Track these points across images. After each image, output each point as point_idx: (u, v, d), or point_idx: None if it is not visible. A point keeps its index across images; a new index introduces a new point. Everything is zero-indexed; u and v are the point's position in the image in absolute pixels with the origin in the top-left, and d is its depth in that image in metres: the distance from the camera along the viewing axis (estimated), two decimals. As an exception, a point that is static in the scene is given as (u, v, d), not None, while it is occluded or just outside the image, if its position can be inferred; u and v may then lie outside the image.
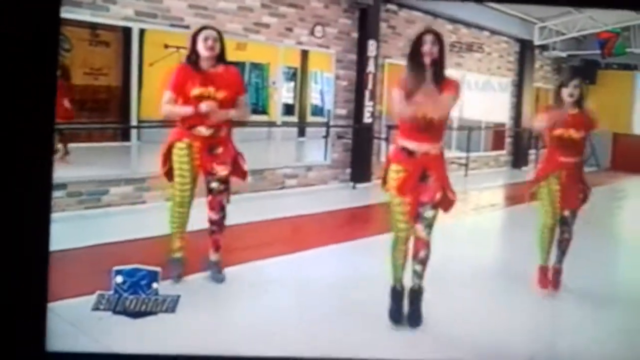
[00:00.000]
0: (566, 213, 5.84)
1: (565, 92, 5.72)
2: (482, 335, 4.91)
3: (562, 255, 5.93)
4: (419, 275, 4.98)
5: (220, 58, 5.41)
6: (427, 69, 4.73)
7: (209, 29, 5.42)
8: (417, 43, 4.74)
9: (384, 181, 4.97)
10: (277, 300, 5.37)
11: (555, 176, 5.76)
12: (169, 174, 5.50)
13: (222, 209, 5.56)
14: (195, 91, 5.28)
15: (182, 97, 5.34)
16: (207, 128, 5.34)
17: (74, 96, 8.59)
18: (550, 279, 5.91)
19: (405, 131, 4.85)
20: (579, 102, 5.74)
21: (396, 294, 5.04)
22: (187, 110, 5.30)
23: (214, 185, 5.51)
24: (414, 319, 4.99)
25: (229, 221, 5.76)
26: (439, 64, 4.77)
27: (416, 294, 5.00)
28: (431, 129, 4.78)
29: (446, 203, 4.96)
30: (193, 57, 5.37)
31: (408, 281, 5.01)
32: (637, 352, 4.80)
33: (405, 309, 5.02)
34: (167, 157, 5.44)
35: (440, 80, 4.78)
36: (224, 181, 5.51)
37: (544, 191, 5.80)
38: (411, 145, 4.81)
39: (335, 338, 4.71)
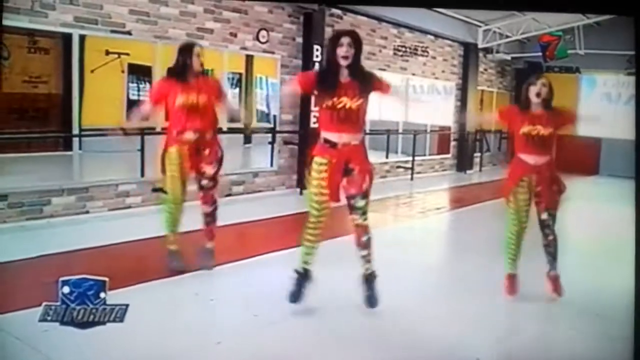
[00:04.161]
0: (544, 216, 5.75)
1: (533, 90, 5.65)
2: (429, 336, 4.91)
3: (554, 260, 5.82)
4: (367, 259, 5.20)
5: (202, 72, 5.96)
6: (343, 67, 4.97)
7: (197, 46, 5.95)
8: (334, 44, 4.98)
9: (308, 173, 5.16)
10: (223, 308, 5.31)
11: (525, 182, 5.69)
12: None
13: (213, 202, 6.10)
14: (179, 100, 5.77)
15: (167, 107, 5.91)
16: (194, 133, 5.84)
17: (10, 105, 8.44)
18: (551, 287, 5.81)
19: (325, 123, 5.03)
20: (546, 102, 5.66)
21: (299, 276, 5.24)
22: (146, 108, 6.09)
23: (204, 182, 6.02)
24: (372, 301, 5.22)
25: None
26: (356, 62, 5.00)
27: (370, 277, 5.21)
28: (350, 120, 4.98)
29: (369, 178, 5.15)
30: (181, 70, 5.83)
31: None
32: (590, 353, 4.84)
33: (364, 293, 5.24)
34: (163, 161, 5.94)
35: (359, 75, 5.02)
36: (212, 178, 6.03)
37: (511, 202, 5.73)
38: (332, 136, 5.00)
39: (283, 345, 4.68)
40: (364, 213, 5.11)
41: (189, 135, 5.84)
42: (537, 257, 5.80)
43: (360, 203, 5.08)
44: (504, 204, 5.79)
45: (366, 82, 5.01)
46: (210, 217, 6.13)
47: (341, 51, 4.92)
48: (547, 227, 5.77)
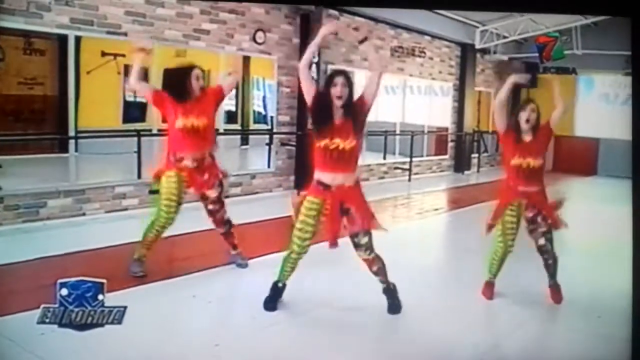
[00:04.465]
0: (540, 242, 5.72)
1: (523, 116, 5.58)
2: (428, 337, 4.89)
3: (552, 277, 5.80)
4: (383, 281, 5.29)
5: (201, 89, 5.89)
6: (337, 107, 4.98)
7: (198, 68, 5.86)
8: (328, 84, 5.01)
9: (297, 209, 5.12)
10: (221, 310, 5.33)
11: (513, 207, 5.64)
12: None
13: (226, 223, 6.15)
14: (179, 123, 5.72)
15: (167, 122, 5.85)
16: (193, 160, 5.81)
17: (6, 107, 8.42)
18: (551, 296, 5.77)
19: (319, 163, 5.03)
20: (534, 129, 5.60)
21: (276, 289, 5.28)
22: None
23: (210, 207, 6.03)
24: (394, 308, 5.30)
25: (171, 232, 5.97)
26: (349, 101, 5.00)
27: (391, 291, 5.32)
28: (343, 160, 4.97)
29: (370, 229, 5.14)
30: (180, 92, 5.76)
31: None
32: (588, 353, 4.82)
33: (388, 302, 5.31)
34: (158, 177, 5.90)
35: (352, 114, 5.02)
36: (217, 201, 6.03)
37: (498, 221, 5.70)
38: (326, 177, 5.00)
39: (282, 347, 4.65)
40: (368, 249, 5.11)
41: (188, 162, 5.80)
42: (537, 257, 5.78)
43: (364, 240, 5.09)
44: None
45: (357, 117, 4.99)
46: (227, 234, 6.20)
47: (335, 91, 4.92)
48: (545, 253, 5.75)
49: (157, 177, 5.88)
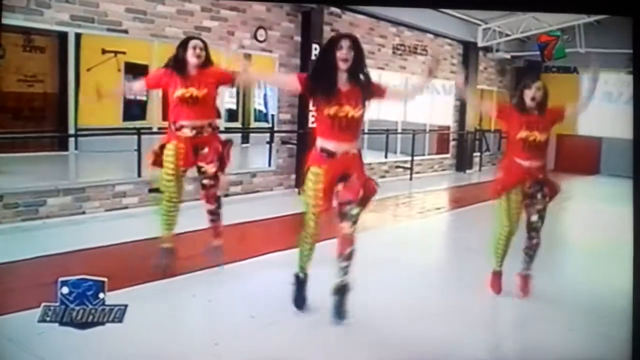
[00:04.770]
0: (533, 218, 5.72)
1: (528, 94, 5.54)
2: (429, 336, 4.88)
3: (530, 262, 5.80)
4: (345, 271, 4.94)
5: (203, 64, 5.80)
6: (342, 71, 4.79)
7: (195, 39, 5.86)
8: (334, 46, 4.79)
9: (303, 183, 5.01)
10: (221, 309, 5.26)
11: (519, 185, 5.63)
12: (156, 163, 5.93)
13: (216, 200, 6.04)
14: (178, 92, 5.71)
15: (168, 95, 5.84)
16: (191, 130, 5.78)
17: (5, 104, 8.40)
18: (520, 285, 5.81)
19: (324, 132, 4.86)
20: (540, 106, 5.56)
21: (299, 281, 5.20)
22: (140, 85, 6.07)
23: (205, 181, 5.96)
24: (340, 313, 4.96)
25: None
26: (356, 66, 4.83)
27: (342, 289, 4.96)
28: (351, 129, 4.84)
29: (369, 195, 4.96)
30: (179, 65, 5.75)
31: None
32: (588, 353, 4.81)
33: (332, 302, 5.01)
34: (159, 153, 5.86)
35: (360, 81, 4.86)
36: (214, 177, 5.94)
37: (502, 203, 5.66)
38: (331, 145, 4.84)
39: (282, 346, 4.64)
40: (355, 223, 4.89)
41: (187, 131, 5.76)
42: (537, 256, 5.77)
43: (355, 211, 4.86)
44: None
45: (367, 88, 4.84)
46: (214, 215, 6.07)
47: (341, 54, 4.70)
48: (534, 230, 5.73)
49: (159, 149, 5.87)
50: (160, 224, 5.89)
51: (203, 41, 5.87)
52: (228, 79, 5.89)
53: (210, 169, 5.90)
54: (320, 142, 4.86)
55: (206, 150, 5.85)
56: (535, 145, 5.57)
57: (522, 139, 5.55)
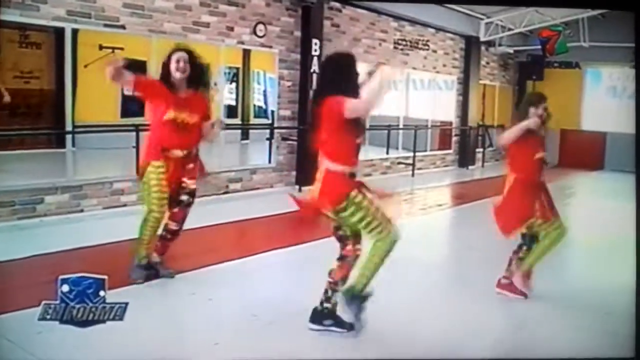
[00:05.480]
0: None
1: (533, 112, 5.50)
2: (432, 333, 4.84)
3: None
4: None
5: (190, 80, 5.54)
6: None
7: (180, 51, 5.52)
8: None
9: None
10: (223, 306, 5.20)
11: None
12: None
13: (182, 221, 5.72)
14: (170, 115, 5.43)
15: (155, 114, 5.51)
16: (182, 150, 5.54)
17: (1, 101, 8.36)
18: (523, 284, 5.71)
19: (350, 159, 4.68)
20: (543, 124, 5.54)
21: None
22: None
23: (184, 197, 5.68)
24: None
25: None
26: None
27: None
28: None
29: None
30: (166, 78, 5.49)
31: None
32: (592, 349, 4.76)
33: None
34: (142, 171, 5.60)
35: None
36: (192, 194, 5.71)
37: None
38: (355, 170, 4.72)
39: (282, 345, 4.58)
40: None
41: (177, 153, 5.52)
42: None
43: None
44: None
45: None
46: (173, 235, 5.73)
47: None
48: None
49: (143, 168, 5.56)
50: (138, 240, 5.60)
51: (190, 52, 5.57)
52: (209, 117, 5.72)
53: (192, 184, 5.65)
54: (347, 170, 4.70)
55: (191, 166, 5.64)
56: (540, 166, 5.60)
57: (540, 159, 5.56)
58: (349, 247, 4.72)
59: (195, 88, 5.56)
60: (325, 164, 4.62)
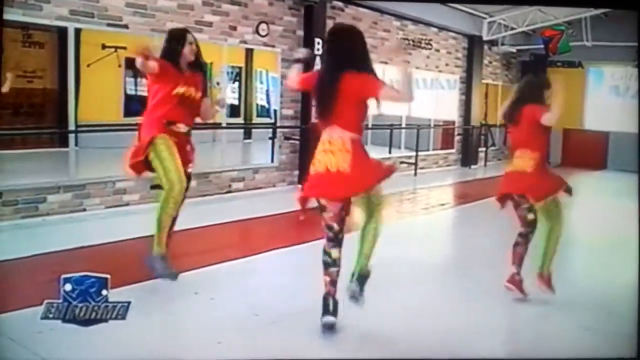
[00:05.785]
0: (530, 217, 5.57)
1: (547, 93, 5.42)
2: (435, 333, 4.80)
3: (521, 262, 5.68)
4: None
5: (195, 65, 5.64)
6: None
7: (189, 33, 5.63)
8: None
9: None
10: (225, 306, 5.21)
11: None
12: (136, 166, 5.48)
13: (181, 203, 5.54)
14: (180, 89, 5.43)
15: (162, 91, 5.46)
16: (185, 125, 5.50)
17: (4, 100, 8.36)
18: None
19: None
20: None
21: None
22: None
23: None
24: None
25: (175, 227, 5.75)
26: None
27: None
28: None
29: None
30: (174, 57, 5.49)
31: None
32: (594, 349, 4.76)
33: None
34: (145, 149, 5.39)
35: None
36: (189, 178, 5.56)
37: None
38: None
39: (284, 344, 4.57)
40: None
41: (181, 127, 5.45)
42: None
43: None
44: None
45: None
46: (172, 224, 5.58)
47: None
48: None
49: (149, 144, 5.36)
50: (159, 227, 5.45)
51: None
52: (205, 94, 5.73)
53: (189, 168, 5.56)
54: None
55: (189, 147, 5.57)
56: None
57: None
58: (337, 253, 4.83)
59: (196, 69, 5.64)
60: (346, 135, 4.68)
